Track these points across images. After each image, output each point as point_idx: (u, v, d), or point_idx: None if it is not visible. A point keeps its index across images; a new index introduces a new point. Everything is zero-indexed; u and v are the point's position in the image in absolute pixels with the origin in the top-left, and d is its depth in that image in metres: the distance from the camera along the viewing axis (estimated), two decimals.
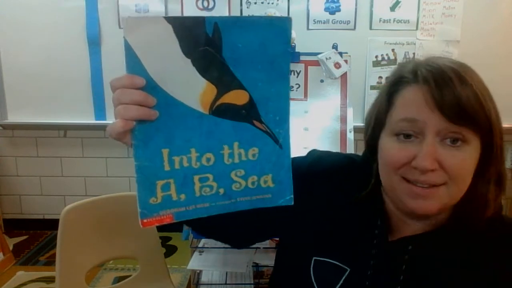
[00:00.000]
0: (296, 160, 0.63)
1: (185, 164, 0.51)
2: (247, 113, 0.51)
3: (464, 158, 0.54)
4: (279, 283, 0.70)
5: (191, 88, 0.49)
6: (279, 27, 0.49)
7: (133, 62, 0.46)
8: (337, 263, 0.62)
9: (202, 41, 0.47)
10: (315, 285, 0.63)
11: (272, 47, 0.50)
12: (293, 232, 0.67)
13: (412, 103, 0.54)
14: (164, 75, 0.47)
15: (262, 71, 0.50)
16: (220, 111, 0.50)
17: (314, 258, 0.64)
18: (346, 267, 0.62)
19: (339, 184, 0.67)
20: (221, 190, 0.53)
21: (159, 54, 0.47)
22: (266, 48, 0.50)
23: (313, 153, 0.74)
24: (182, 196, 0.51)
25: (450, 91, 0.52)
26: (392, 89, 0.58)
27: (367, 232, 0.63)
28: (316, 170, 0.69)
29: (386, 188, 0.60)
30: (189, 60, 0.47)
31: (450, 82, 0.53)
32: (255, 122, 0.52)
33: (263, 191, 0.55)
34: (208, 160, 0.52)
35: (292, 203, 0.57)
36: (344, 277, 0.61)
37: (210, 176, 0.52)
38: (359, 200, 0.64)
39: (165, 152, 0.50)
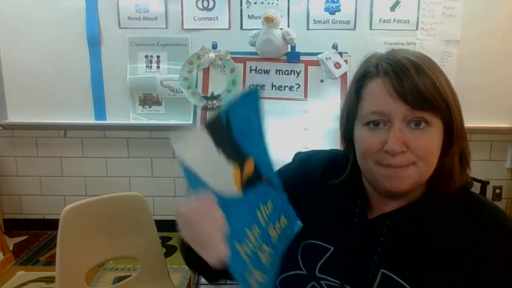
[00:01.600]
0: (283, 168, 0.77)
1: (250, 247, 0.55)
2: (257, 175, 0.58)
3: (429, 139, 0.60)
4: None
5: (228, 177, 0.53)
6: (254, 97, 0.58)
7: (194, 180, 0.49)
8: (321, 243, 0.68)
9: (223, 132, 0.53)
10: (301, 265, 0.68)
11: (254, 114, 0.58)
12: None
13: (377, 96, 0.61)
14: (213, 177, 0.51)
15: (252, 136, 0.58)
16: (246, 185, 0.56)
17: (302, 242, 0.69)
18: (330, 246, 0.67)
19: (323, 177, 0.73)
20: (271, 250, 0.60)
21: (207, 160, 0.50)
22: (251, 117, 0.57)
23: (297, 157, 0.82)
24: (264, 277, 0.58)
25: (408, 80, 0.59)
26: (359, 84, 0.65)
27: (348, 213, 0.69)
28: (302, 170, 0.77)
29: (364, 173, 0.67)
30: (221, 153, 0.52)
31: (408, 72, 0.59)
32: (262, 178, 0.59)
33: (284, 229, 0.64)
34: (257, 231, 0.57)
35: (302, 225, 0.67)
36: (327, 255, 0.67)
37: (263, 244, 0.58)
38: (340, 184, 0.71)
39: (238, 246, 0.53)
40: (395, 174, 0.61)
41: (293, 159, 0.82)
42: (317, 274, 0.66)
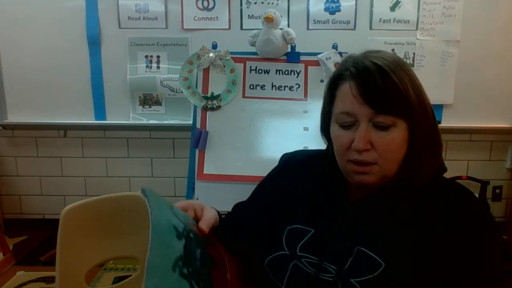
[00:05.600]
0: (271, 171, 0.87)
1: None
2: None
3: (392, 139, 0.67)
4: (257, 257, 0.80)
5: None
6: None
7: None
8: (304, 227, 0.74)
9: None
10: (284, 246, 0.74)
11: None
12: (276, 219, 0.80)
13: (346, 98, 0.68)
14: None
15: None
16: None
17: (287, 228, 0.76)
18: (311, 229, 0.74)
19: (307, 170, 0.82)
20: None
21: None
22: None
23: (283, 158, 0.90)
24: None
25: (372, 85, 0.65)
26: (333, 85, 0.72)
27: (328, 199, 0.76)
28: (286, 168, 0.86)
29: (340, 167, 0.74)
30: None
31: (372, 77, 0.65)
32: None
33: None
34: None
35: None
36: (307, 236, 0.73)
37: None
38: (322, 174, 0.78)
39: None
40: (361, 170, 0.68)
41: (279, 160, 0.90)
42: (298, 253, 0.72)
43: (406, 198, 0.70)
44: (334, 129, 0.72)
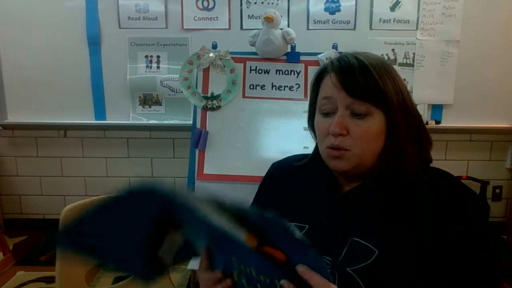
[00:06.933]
0: (263, 179, 0.90)
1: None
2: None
3: (368, 127, 0.70)
4: None
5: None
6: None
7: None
8: (298, 224, 0.77)
9: None
10: None
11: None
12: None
13: (327, 85, 0.73)
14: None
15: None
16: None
17: None
18: (305, 225, 0.76)
19: (295, 171, 0.85)
20: None
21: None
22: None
23: (273, 165, 0.92)
24: None
25: (352, 76, 0.70)
26: (319, 77, 0.77)
27: (319, 195, 0.79)
28: (276, 173, 0.89)
29: (322, 156, 0.77)
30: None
31: (352, 70, 0.70)
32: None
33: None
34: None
35: None
36: (302, 232, 0.75)
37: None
38: (310, 171, 0.82)
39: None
40: (336, 155, 0.72)
41: (268, 169, 0.92)
42: None
43: (393, 187, 0.73)
44: (317, 118, 0.76)
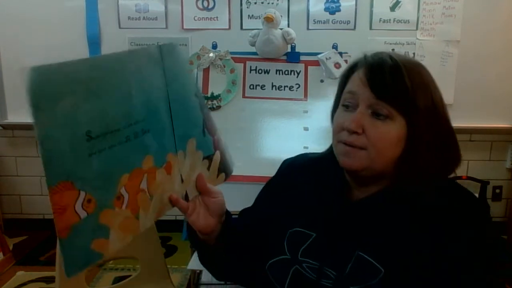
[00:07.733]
0: (273, 177, 0.87)
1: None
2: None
3: (386, 131, 0.65)
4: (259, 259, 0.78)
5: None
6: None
7: None
8: (305, 230, 0.73)
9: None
10: (286, 250, 0.74)
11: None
12: (278, 222, 0.78)
13: (355, 80, 0.69)
14: None
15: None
16: None
17: (289, 231, 0.75)
18: (313, 233, 0.73)
19: (308, 172, 0.81)
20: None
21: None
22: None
23: (284, 163, 0.89)
24: None
25: (381, 74, 0.66)
26: (349, 71, 0.72)
27: (328, 196, 0.75)
28: (287, 172, 0.85)
29: (334, 150, 0.73)
30: None
31: (382, 68, 0.66)
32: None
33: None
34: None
35: None
36: (309, 240, 0.72)
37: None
38: (322, 176, 0.78)
39: None
40: (348, 152, 0.67)
41: (280, 166, 0.89)
42: (299, 257, 0.72)
43: (406, 202, 0.68)
44: (338, 111, 0.72)
